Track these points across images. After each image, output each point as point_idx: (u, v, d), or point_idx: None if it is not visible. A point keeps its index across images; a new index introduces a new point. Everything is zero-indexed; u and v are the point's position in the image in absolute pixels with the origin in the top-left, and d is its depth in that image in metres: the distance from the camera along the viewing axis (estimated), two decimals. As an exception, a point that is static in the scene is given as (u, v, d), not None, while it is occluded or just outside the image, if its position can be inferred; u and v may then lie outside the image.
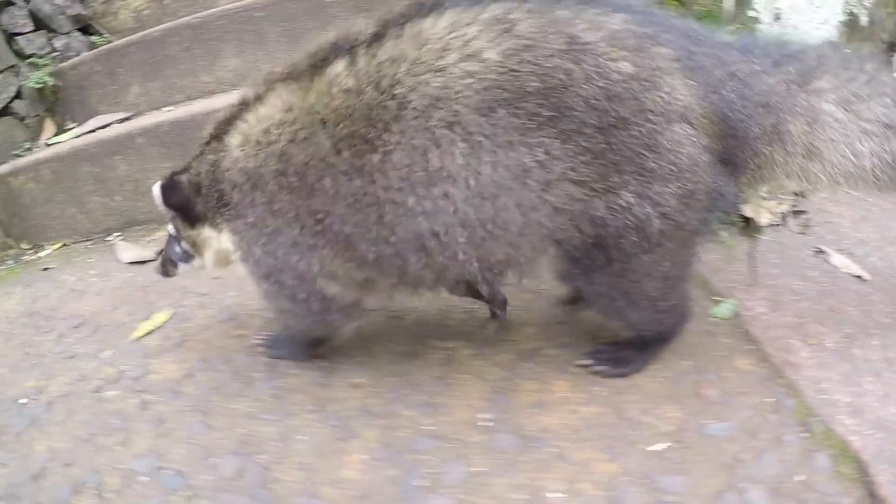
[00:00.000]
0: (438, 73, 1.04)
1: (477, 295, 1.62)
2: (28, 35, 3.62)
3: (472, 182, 1.07)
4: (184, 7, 3.82)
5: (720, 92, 1.11)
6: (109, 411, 1.93)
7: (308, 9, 3.29)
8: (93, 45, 3.87)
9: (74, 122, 3.58)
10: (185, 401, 1.85)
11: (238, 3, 3.34)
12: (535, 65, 1.02)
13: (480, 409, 1.55)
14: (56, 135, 3.53)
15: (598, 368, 1.45)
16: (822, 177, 1.21)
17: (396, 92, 1.07)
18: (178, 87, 3.43)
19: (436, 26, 1.07)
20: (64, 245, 3.19)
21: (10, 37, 3.54)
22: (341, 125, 1.11)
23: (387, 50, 1.10)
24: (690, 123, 1.08)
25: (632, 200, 1.08)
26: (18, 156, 3.46)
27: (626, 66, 1.04)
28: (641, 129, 1.05)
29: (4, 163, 3.36)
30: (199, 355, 2.03)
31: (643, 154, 1.06)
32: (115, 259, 2.86)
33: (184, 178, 1.38)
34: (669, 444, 1.35)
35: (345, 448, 1.50)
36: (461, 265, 1.18)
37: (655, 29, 1.09)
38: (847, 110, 1.18)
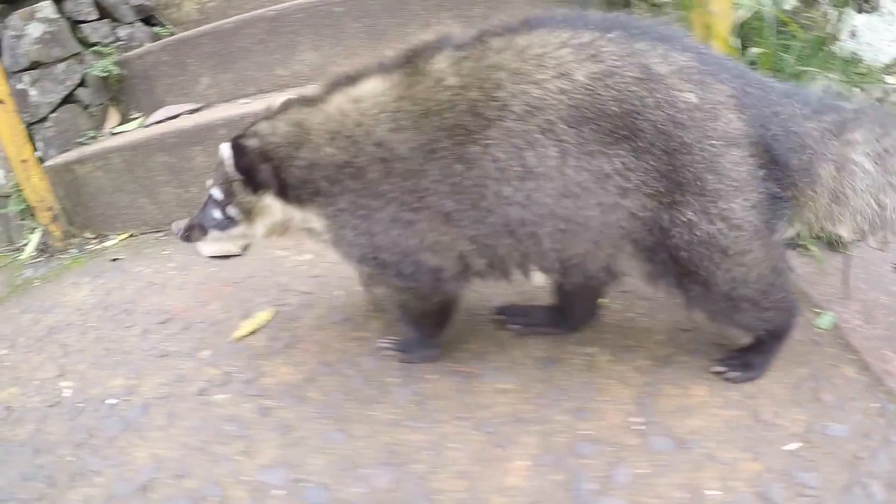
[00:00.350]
0: (536, 85, 1.17)
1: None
2: (93, 23, 3.49)
3: (559, 181, 1.19)
4: (250, 1, 3.68)
5: (766, 125, 1.22)
6: (221, 417, 1.78)
7: (389, 5, 3.18)
8: (156, 36, 3.75)
9: (139, 111, 3.44)
10: (313, 407, 1.70)
11: None
12: (614, 90, 1.16)
13: (631, 412, 1.53)
14: (121, 124, 3.38)
15: (731, 375, 1.51)
16: (847, 222, 1.30)
17: (499, 95, 1.19)
18: (252, 80, 3.30)
19: (535, 43, 1.20)
20: (131, 235, 3.05)
21: (75, 24, 3.40)
22: (446, 116, 1.21)
23: (490, 56, 1.20)
24: (745, 148, 1.19)
25: (694, 218, 1.19)
26: (82, 144, 3.31)
27: (691, 97, 1.16)
28: (704, 154, 1.17)
29: (69, 150, 3.22)
30: (317, 358, 1.88)
31: (705, 177, 1.17)
32: (194, 252, 2.69)
33: (252, 142, 1.39)
34: (800, 443, 1.42)
35: (504, 455, 1.42)
36: (544, 255, 1.29)
37: (715, 67, 1.21)
38: (877, 163, 1.25)
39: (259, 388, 1.82)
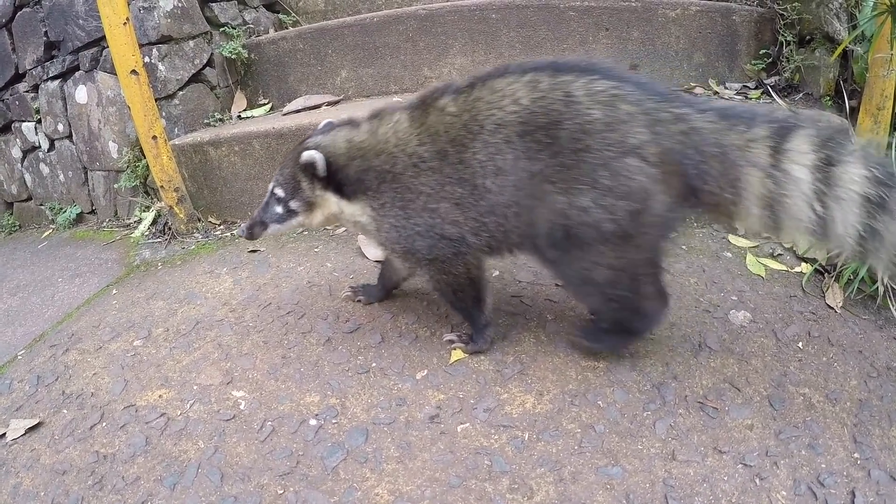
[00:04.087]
0: (499, 110, 1.43)
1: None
2: (222, 3, 3.09)
3: (515, 175, 1.41)
4: None
5: (672, 141, 1.33)
6: (471, 449, 1.41)
7: (548, 19, 2.84)
8: (279, 23, 3.34)
9: (267, 97, 3.03)
10: (575, 440, 1.40)
11: (471, 1, 2.86)
12: (546, 110, 1.38)
13: (852, 449, 1.41)
14: (247, 108, 2.95)
15: (575, 340, 1.64)
16: (782, 228, 1.33)
17: (479, 118, 1.45)
18: (395, 78, 2.91)
19: (501, 83, 1.45)
20: (265, 228, 2.59)
21: (204, 2, 2.98)
22: (450, 133, 1.48)
23: (475, 93, 1.47)
24: (645, 160, 1.32)
25: (587, 204, 1.34)
26: (209, 125, 2.89)
27: (597, 114, 1.35)
28: (601, 156, 1.33)
29: (195, 130, 2.77)
30: (557, 387, 1.55)
31: (599, 175, 1.33)
32: (353, 252, 2.28)
33: (324, 151, 1.61)
34: None
35: (764, 486, 1.30)
36: (513, 229, 1.48)
37: (636, 94, 1.37)
38: (813, 173, 1.26)
39: (506, 418, 1.47)
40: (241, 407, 1.66)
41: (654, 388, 1.52)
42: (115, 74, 2.87)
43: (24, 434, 1.78)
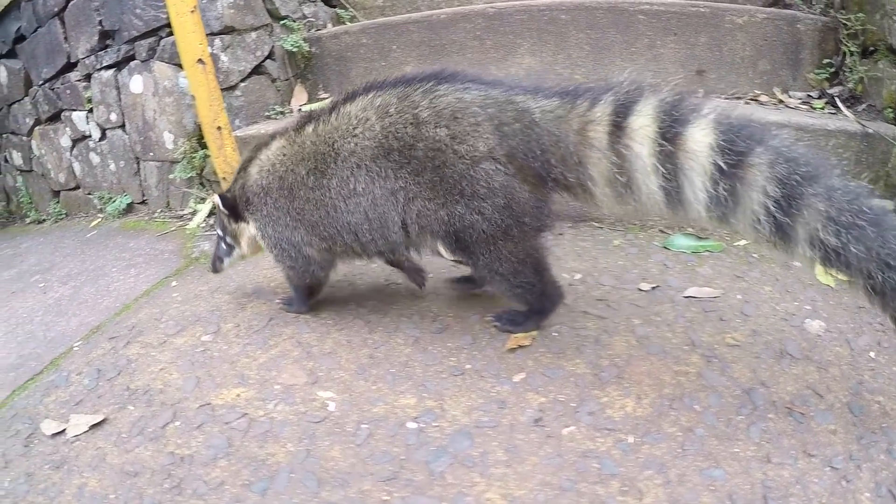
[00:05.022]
0: (353, 137, 1.48)
1: (398, 266, 1.90)
2: (283, -5, 2.91)
3: (369, 196, 1.49)
4: None
5: (516, 140, 1.36)
6: (578, 452, 1.29)
7: (617, 21, 2.70)
8: (337, 17, 3.19)
9: (328, 92, 2.88)
10: (677, 443, 1.30)
11: (541, 1, 2.72)
12: (396, 134, 1.43)
13: None
14: (308, 102, 2.80)
15: (496, 324, 1.66)
16: (641, 204, 1.29)
17: (335, 145, 1.51)
18: (460, 77, 2.74)
19: (352, 111, 1.50)
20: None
21: (265, -6, 2.83)
22: (310, 161, 1.55)
23: (331, 121, 1.52)
24: (498, 161, 1.36)
25: (462, 211, 1.40)
26: (269, 117, 2.76)
27: (443, 132, 1.39)
28: (457, 168, 1.38)
29: (256, 122, 2.65)
30: (654, 391, 1.44)
31: (461, 185, 1.39)
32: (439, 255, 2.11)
33: (228, 193, 1.78)
34: None
35: (850, 488, 1.23)
36: (374, 243, 1.57)
37: (479, 101, 1.39)
38: (652, 146, 1.21)
39: (609, 421, 1.36)
40: (331, 408, 1.50)
41: (745, 394, 1.43)
42: (174, 64, 2.75)
43: (86, 431, 1.62)
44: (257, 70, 2.76)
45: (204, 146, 2.73)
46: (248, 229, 1.75)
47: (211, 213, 2.61)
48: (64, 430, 1.64)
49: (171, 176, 2.79)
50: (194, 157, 2.69)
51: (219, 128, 2.36)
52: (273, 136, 1.68)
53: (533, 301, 1.55)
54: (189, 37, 2.31)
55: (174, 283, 2.25)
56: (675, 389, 1.43)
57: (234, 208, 1.73)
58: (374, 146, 1.43)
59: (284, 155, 1.60)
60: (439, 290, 1.91)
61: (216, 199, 1.76)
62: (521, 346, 1.59)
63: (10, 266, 3.16)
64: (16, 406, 1.83)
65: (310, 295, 1.85)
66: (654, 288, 1.80)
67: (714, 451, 1.28)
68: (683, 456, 1.27)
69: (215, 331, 1.89)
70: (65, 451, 1.57)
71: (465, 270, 1.86)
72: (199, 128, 2.74)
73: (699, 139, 1.16)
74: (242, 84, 2.68)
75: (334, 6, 3.27)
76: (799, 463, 1.27)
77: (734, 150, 1.12)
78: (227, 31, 2.65)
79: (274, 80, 2.82)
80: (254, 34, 2.75)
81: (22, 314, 2.49)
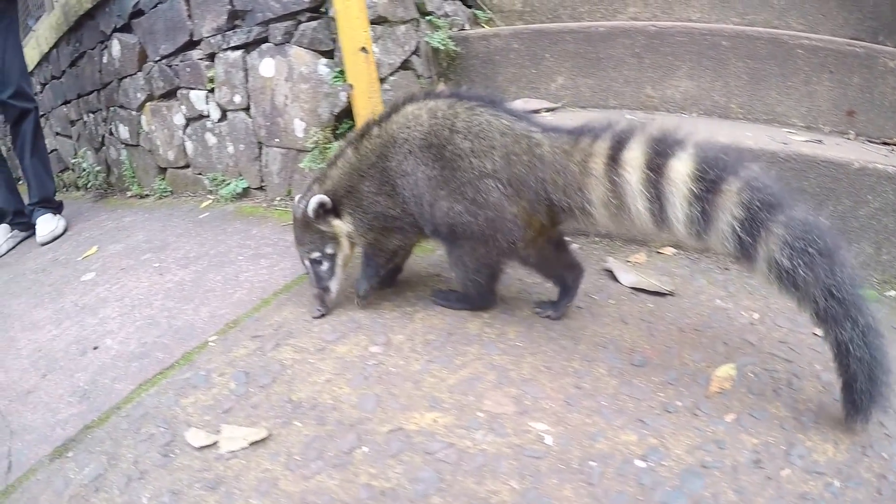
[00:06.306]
0: (407, 129, 1.60)
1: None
2: (429, -9, 2.64)
3: (415, 177, 1.59)
4: (584, 3, 2.88)
5: (519, 168, 1.47)
6: (796, 494, 1.10)
7: (775, 53, 2.42)
8: (475, 18, 2.92)
9: (470, 96, 2.56)
10: (874, 488, 1.11)
11: (703, 25, 2.44)
12: (437, 133, 1.56)
13: None
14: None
15: (433, 298, 1.80)
16: (632, 223, 1.37)
17: (394, 136, 1.62)
18: (615, 93, 2.48)
19: (412, 109, 1.62)
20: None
21: (412, -13, 2.57)
22: (378, 150, 1.65)
23: (392, 120, 1.64)
24: (499, 181, 1.49)
25: (461, 210, 1.53)
26: (414, 114, 2.42)
27: (466, 144, 1.52)
28: (468, 175, 1.51)
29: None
30: (847, 438, 1.23)
31: (467, 189, 1.52)
32: (597, 273, 1.83)
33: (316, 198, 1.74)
34: None
35: None
36: (424, 218, 1.63)
37: (500, 127, 1.51)
38: (640, 174, 1.31)
39: (816, 465, 1.17)
40: (548, 442, 1.24)
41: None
42: (314, 51, 2.49)
43: (245, 447, 1.32)
44: (405, 65, 2.49)
45: (340, 137, 2.45)
46: (344, 225, 1.74)
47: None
48: (216, 443, 1.34)
49: (300, 165, 2.51)
50: (328, 149, 2.42)
51: (374, 119, 2.08)
52: (338, 154, 1.79)
53: (473, 294, 1.69)
54: (354, 22, 2.04)
55: (316, 281, 1.95)
56: (864, 437, 1.23)
57: (336, 207, 1.74)
58: (421, 138, 1.56)
59: (356, 155, 1.69)
60: (626, 318, 1.61)
61: (320, 199, 1.70)
62: (722, 389, 1.36)
63: (116, 240, 2.89)
64: (145, 404, 1.55)
65: (387, 262, 1.85)
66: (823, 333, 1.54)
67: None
68: (881, 501, 1.11)
69: (384, 342, 1.59)
70: (219, 468, 1.28)
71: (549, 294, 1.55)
72: (335, 118, 2.47)
73: (679, 169, 1.27)
74: (392, 78, 2.41)
75: (470, 6, 3.00)
76: None
77: (706, 178, 1.24)
78: (380, 21, 2.39)
79: (418, 77, 2.54)
80: (403, 27, 2.48)
81: (137, 295, 2.22)
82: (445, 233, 1.60)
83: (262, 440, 1.34)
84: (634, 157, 1.33)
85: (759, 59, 2.45)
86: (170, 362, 1.72)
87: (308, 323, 1.75)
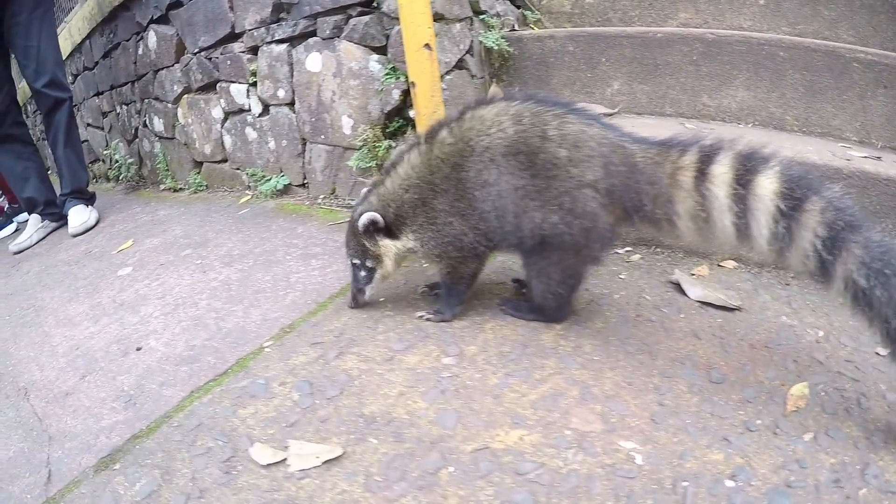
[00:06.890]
0: (487, 136, 1.50)
1: None
2: (481, -10, 2.52)
3: (498, 188, 1.50)
4: (635, 7, 2.76)
5: (618, 178, 1.41)
6: None
7: (832, 66, 2.31)
8: (523, 18, 2.81)
9: (522, 98, 2.45)
10: None
11: (760, 34, 2.32)
12: (526, 141, 1.46)
13: None
14: (503, 106, 2.38)
15: (503, 307, 1.71)
16: (715, 235, 1.35)
17: (471, 143, 1.51)
18: (671, 100, 2.37)
19: (488, 113, 1.52)
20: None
21: (466, -14, 2.45)
22: (451, 159, 1.54)
23: (465, 123, 1.54)
24: (597, 191, 1.43)
25: (556, 220, 1.45)
26: (468, 116, 2.30)
27: (563, 153, 1.43)
28: (565, 185, 1.43)
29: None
30: None
31: (564, 200, 1.44)
32: (663, 285, 1.74)
33: (367, 216, 1.65)
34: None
35: None
36: (494, 232, 1.54)
37: (599, 136, 1.44)
38: (727, 189, 1.30)
39: (890, 485, 1.09)
40: (638, 461, 1.15)
41: None
42: (365, 46, 2.37)
43: (318, 466, 1.20)
44: (459, 64, 2.37)
45: (390, 136, 2.33)
46: (396, 245, 1.64)
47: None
48: (284, 461, 1.22)
49: (347, 163, 2.40)
50: (377, 147, 2.30)
51: (436, 116, 1.96)
52: (397, 159, 1.68)
53: (552, 306, 1.61)
54: (418, 18, 1.93)
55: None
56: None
57: (389, 227, 1.64)
58: (505, 146, 1.47)
59: (423, 163, 1.59)
60: (698, 333, 1.51)
61: (372, 217, 1.60)
62: (798, 408, 1.29)
63: (152, 234, 2.77)
64: (198, 413, 1.43)
65: (468, 286, 1.75)
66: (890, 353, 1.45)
67: None
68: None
69: (457, 353, 1.48)
70: (290, 489, 1.18)
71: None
72: (385, 116, 2.35)
73: (766, 185, 1.27)
74: (448, 77, 2.30)
75: (520, 7, 2.88)
76: None
77: (793, 196, 1.24)
78: (437, 18, 2.27)
79: (472, 77, 2.42)
80: (458, 25, 2.37)
81: (180, 293, 2.10)
82: (531, 245, 1.51)
83: (337, 458, 1.23)
84: (723, 172, 1.32)
85: (816, 71, 2.34)
86: (223, 368, 1.61)
87: (371, 330, 1.63)
